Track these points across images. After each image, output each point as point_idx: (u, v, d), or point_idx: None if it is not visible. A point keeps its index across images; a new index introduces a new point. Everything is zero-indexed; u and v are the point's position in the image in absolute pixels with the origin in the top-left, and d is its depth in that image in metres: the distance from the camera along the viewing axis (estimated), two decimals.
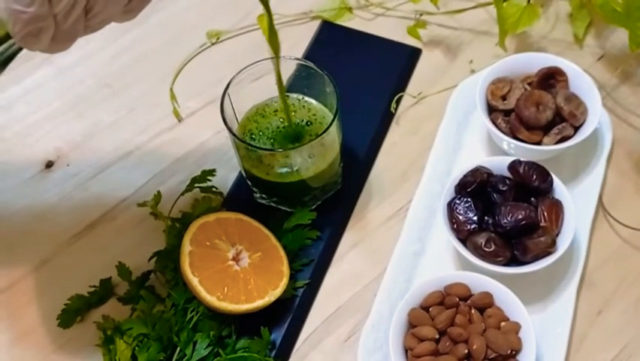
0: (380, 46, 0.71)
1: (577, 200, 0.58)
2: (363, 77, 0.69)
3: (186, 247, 0.53)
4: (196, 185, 0.61)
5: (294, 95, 0.60)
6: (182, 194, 0.61)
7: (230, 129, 0.55)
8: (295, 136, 0.58)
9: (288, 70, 0.58)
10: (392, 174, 0.64)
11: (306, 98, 0.60)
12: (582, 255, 0.57)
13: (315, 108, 0.59)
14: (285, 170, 0.56)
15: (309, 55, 0.71)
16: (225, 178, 0.64)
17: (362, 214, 0.62)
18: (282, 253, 0.56)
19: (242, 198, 0.62)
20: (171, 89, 0.70)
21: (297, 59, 0.58)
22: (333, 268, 0.59)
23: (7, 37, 0.41)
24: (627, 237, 0.59)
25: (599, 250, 0.59)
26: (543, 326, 0.54)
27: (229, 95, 0.56)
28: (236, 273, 0.54)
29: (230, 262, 0.54)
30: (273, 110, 0.59)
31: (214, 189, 0.62)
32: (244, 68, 0.56)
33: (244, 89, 0.57)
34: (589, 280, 0.58)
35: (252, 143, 0.57)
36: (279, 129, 0.58)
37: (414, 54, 0.70)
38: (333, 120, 0.54)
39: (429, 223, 0.60)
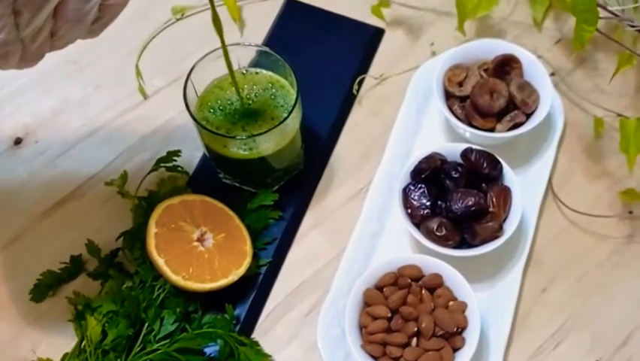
0: (344, 25, 0.71)
1: (527, 184, 0.61)
2: (327, 57, 0.69)
3: (152, 229, 0.55)
4: (162, 165, 0.62)
5: (253, 69, 0.60)
6: (149, 173, 0.63)
7: (191, 113, 0.56)
8: (254, 109, 0.58)
9: (251, 50, 0.59)
10: (354, 154, 0.66)
11: (264, 71, 0.60)
12: (529, 236, 0.60)
13: (273, 79, 0.59)
14: (243, 148, 0.57)
15: (273, 33, 0.71)
16: (191, 157, 0.65)
17: (324, 195, 0.64)
18: (245, 233, 0.58)
19: (207, 177, 0.64)
20: (137, 66, 0.70)
21: (257, 46, 0.59)
22: (295, 247, 0.62)
23: None
24: (573, 219, 0.62)
25: (547, 231, 0.62)
26: (490, 303, 0.58)
27: (192, 80, 0.57)
28: (200, 253, 0.56)
29: (195, 243, 0.56)
30: (229, 82, 0.59)
31: (179, 169, 0.63)
32: (207, 54, 0.57)
33: (206, 68, 0.58)
34: (535, 260, 0.61)
35: (209, 119, 0.57)
36: (237, 102, 0.58)
37: (377, 35, 0.71)
38: (292, 108, 0.56)
39: (388, 204, 0.62)
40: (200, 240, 0.57)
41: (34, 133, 0.68)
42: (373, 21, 0.72)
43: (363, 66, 0.70)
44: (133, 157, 0.66)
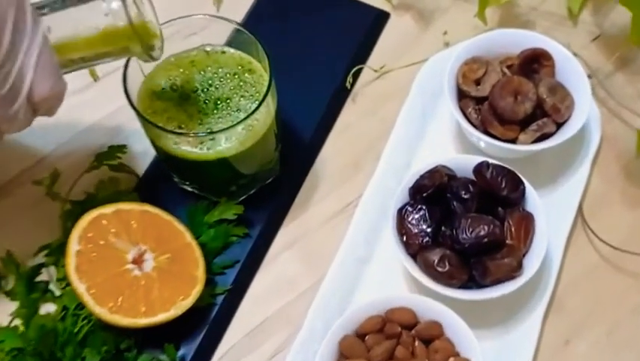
0: (341, 5, 0.64)
1: (553, 208, 0.53)
2: (317, 41, 0.62)
3: (73, 246, 0.45)
4: (104, 162, 0.53)
5: (219, 48, 0.51)
6: (88, 171, 0.54)
7: (130, 101, 0.46)
8: (216, 98, 0.49)
9: (224, 28, 0.50)
10: (343, 161, 0.58)
11: (232, 50, 0.51)
12: (553, 276, 0.51)
13: (244, 61, 0.50)
14: (199, 146, 0.47)
15: (254, 10, 0.63)
16: (144, 154, 0.56)
17: (302, 208, 0.56)
18: (198, 253, 0.49)
19: (160, 180, 0.55)
20: None
21: (213, 16, 0.49)
22: (262, 273, 0.54)
23: None
24: (606, 254, 0.53)
25: (573, 268, 0.53)
26: (501, 357, 0.49)
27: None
28: (135, 279, 0.46)
29: (130, 266, 0.46)
30: (190, 60, 0.50)
31: (126, 169, 0.54)
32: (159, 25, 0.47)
33: None
34: (558, 304, 0.52)
35: (157, 108, 0.48)
36: (196, 86, 0.49)
37: (380, 19, 0.63)
38: (264, 98, 0.46)
39: (379, 225, 0.53)
40: (137, 261, 0.47)
41: None
42: (377, 2, 0.64)
43: (361, 55, 0.62)
44: (74, 151, 0.58)
